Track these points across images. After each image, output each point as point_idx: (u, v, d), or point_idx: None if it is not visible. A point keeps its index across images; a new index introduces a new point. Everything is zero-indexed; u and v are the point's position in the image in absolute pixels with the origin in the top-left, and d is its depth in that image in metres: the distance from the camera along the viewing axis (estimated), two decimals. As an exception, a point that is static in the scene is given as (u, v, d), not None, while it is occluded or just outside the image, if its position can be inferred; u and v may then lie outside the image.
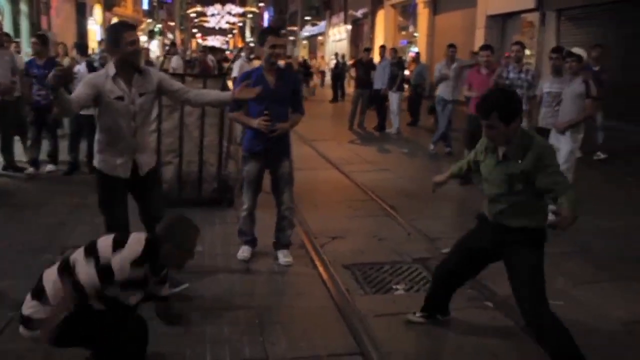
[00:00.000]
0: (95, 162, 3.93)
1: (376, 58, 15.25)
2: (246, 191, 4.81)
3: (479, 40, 16.19)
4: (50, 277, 2.84)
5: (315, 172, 8.52)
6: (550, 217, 3.50)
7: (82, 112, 7.71)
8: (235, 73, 9.50)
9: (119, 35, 3.70)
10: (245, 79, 4.53)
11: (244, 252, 4.89)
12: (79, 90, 3.67)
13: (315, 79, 26.91)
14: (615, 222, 6.19)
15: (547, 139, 6.40)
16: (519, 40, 8.94)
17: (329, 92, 22.50)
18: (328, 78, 26.12)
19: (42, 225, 5.64)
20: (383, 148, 11.10)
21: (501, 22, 16.58)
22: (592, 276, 4.68)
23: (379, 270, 4.76)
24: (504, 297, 4.10)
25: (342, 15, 33.79)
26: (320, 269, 4.72)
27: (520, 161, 3.12)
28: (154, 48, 40.67)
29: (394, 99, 12.71)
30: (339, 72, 22.14)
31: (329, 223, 5.99)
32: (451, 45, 10.47)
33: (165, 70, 7.16)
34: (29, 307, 2.79)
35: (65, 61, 9.17)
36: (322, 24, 38.91)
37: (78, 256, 2.86)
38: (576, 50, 7.30)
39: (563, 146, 6.14)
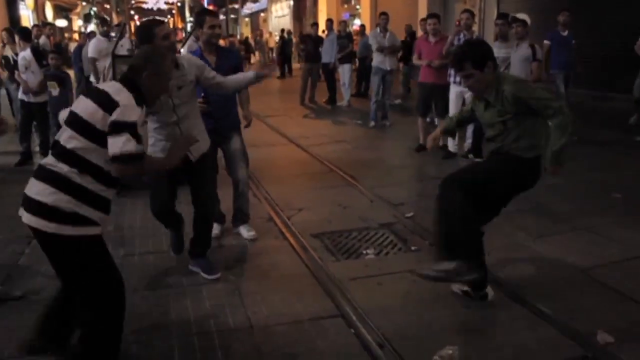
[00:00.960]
0: (149, 148, 3.85)
1: (322, 32, 15.28)
2: None
3: (422, 9, 16.44)
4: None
5: (273, 148, 8.59)
6: None
7: (32, 100, 7.64)
8: (183, 52, 9.46)
9: (152, 32, 3.69)
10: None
11: (214, 229, 4.93)
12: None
13: (258, 56, 26.66)
14: (567, 179, 6.51)
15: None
16: (468, 8, 9.13)
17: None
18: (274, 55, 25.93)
19: (2, 217, 5.52)
20: (337, 120, 11.23)
21: (443, -9, 16.84)
22: (549, 230, 4.94)
23: (347, 237, 4.91)
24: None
25: (283, -10, 33.51)
26: (291, 239, 4.84)
27: (502, 105, 3.38)
28: (91, 30, 39.36)
29: (345, 71, 12.75)
30: (284, 48, 22.04)
31: (293, 196, 6.09)
32: (383, 14, 10.39)
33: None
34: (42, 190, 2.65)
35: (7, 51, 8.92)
36: (264, 0, 38.48)
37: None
38: (520, 15, 7.59)
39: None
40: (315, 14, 27.66)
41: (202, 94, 4.38)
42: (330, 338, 3.33)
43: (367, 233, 4.99)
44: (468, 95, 7.45)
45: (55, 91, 7.66)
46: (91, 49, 8.92)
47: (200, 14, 4.71)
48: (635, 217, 5.18)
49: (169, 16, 69.50)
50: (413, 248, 4.65)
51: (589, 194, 5.97)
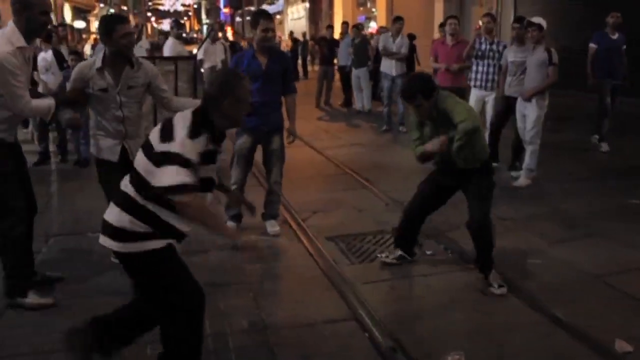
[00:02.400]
0: (91, 147, 4.13)
1: (337, 35, 15.26)
2: (236, 166, 4.93)
3: (439, 12, 16.41)
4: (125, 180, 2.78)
5: (288, 150, 8.50)
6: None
7: None
8: (200, 55, 9.49)
9: (111, 28, 3.75)
10: (237, 63, 4.78)
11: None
12: (73, 88, 3.86)
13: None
14: (580, 184, 6.48)
15: (514, 107, 6.62)
16: (490, 12, 9.07)
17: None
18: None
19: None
20: (352, 123, 11.23)
21: (459, -6, 16.79)
22: (566, 235, 4.90)
23: (362, 240, 4.90)
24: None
25: (299, -7, 33.60)
26: (305, 242, 4.84)
27: (437, 115, 3.87)
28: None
29: (361, 75, 12.22)
30: (298, 51, 22.04)
31: (308, 198, 6.10)
32: (399, 18, 10.15)
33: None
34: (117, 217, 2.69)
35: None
36: (280, 2, 38.62)
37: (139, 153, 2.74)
38: (536, 19, 7.49)
39: (530, 113, 6.35)
40: (331, 17, 27.71)
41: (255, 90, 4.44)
42: (343, 341, 3.33)
43: (381, 236, 4.98)
44: (489, 99, 7.43)
45: None
46: (166, 50, 9.14)
47: (256, 15, 4.87)
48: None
49: (185, 18, 69.98)
50: (428, 252, 4.63)
51: (607, 199, 5.91)
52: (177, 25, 10.08)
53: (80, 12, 32.50)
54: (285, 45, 26.51)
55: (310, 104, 13.59)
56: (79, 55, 8.31)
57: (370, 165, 7.57)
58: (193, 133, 2.58)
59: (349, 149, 8.65)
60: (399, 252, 4.34)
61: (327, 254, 4.56)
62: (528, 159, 6.37)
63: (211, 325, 3.47)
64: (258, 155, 5.15)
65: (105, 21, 3.90)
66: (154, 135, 2.66)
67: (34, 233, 4.54)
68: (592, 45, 8.16)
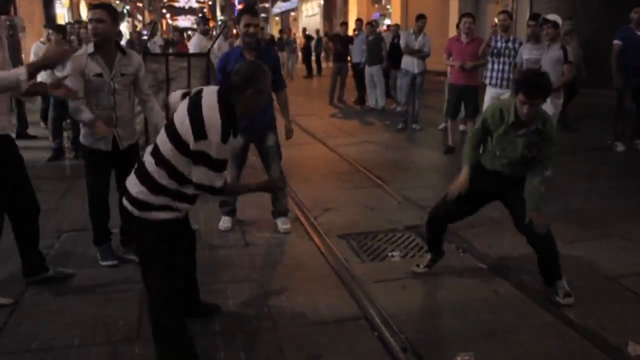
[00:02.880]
0: (81, 137, 4.18)
1: (351, 32, 15.21)
2: (230, 165, 4.89)
3: (454, 10, 16.31)
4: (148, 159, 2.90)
5: (301, 147, 8.58)
6: None
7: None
8: (193, 50, 9.40)
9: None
10: (225, 60, 4.76)
11: (225, 222, 5.08)
12: (73, 81, 3.90)
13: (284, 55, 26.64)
14: (596, 184, 6.40)
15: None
16: (506, 10, 8.99)
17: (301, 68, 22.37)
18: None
19: (34, 211, 5.62)
20: (365, 121, 11.19)
21: (475, -9, 16.67)
22: (580, 235, 4.84)
23: (373, 239, 4.87)
24: (495, 259, 4.25)
25: (314, -11, 33.55)
26: (316, 240, 4.82)
27: (540, 130, 3.58)
28: (123, 30, 39.94)
29: (375, 73, 12.10)
30: (311, 48, 21.99)
31: (320, 196, 6.08)
32: (422, 16, 10.03)
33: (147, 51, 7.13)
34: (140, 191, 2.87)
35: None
36: (294, -1, 38.60)
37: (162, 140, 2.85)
38: (551, 16, 7.41)
39: (545, 111, 6.27)
40: (345, 14, 27.63)
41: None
42: (353, 340, 3.31)
43: (393, 235, 4.95)
44: (505, 97, 7.35)
45: None
46: (192, 46, 9.12)
47: (239, 12, 4.89)
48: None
49: (200, 14, 70.20)
50: (439, 251, 4.60)
51: (622, 199, 5.83)
52: (204, 21, 9.88)
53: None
54: (299, 42, 26.49)
55: (323, 100, 13.58)
56: None
57: (383, 163, 7.53)
58: (225, 137, 2.72)
59: (362, 147, 8.62)
60: (428, 257, 4.21)
61: (338, 252, 4.54)
62: None
63: (220, 323, 3.48)
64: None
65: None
66: (184, 127, 2.72)
67: (45, 230, 4.60)
68: (616, 42, 7.80)
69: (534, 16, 7.74)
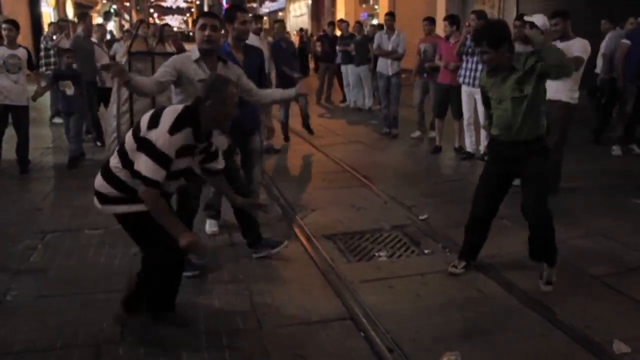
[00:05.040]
0: None
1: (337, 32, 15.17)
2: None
3: (441, 10, 16.33)
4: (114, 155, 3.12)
5: (288, 147, 8.57)
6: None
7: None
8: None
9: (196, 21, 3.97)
10: None
11: (211, 226, 5.00)
12: (164, 71, 3.87)
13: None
14: (583, 183, 6.44)
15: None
16: (479, 9, 9.04)
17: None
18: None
19: (16, 212, 5.56)
20: (352, 121, 11.18)
21: (462, -9, 16.71)
22: (565, 235, 4.85)
23: (360, 239, 4.86)
24: (481, 258, 4.24)
25: (301, -11, 33.52)
26: (303, 240, 4.81)
27: (524, 66, 3.67)
28: (111, 29, 39.66)
29: (362, 73, 11.99)
30: (302, 48, 21.94)
31: (306, 196, 6.07)
32: (387, 14, 9.89)
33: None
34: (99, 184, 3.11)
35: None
36: (282, -1, 38.56)
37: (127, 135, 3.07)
38: (537, 17, 7.43)
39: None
40: (333, 14, 27.62)
41: None
42: (339, 340, 3.30)
43: (379, 235, 4.95)
44: (479, 96, 7.38)
45: (70, 90, 7.36)
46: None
47: (232, 9, 4.71)
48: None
49: (187, 14, 69.98)
50: (426, 251, 4.60)
51: (607, 199, 5.86)
52: (255, 19, 8.51)
53: (83, 8, 32.46)
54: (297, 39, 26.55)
55: (310, 100, 13.54)
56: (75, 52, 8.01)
57: (370, 163, 7.53)
58: (174, 128, 2.87)
59: (349, 147, 8.61)
60: (464, 263, 4.18)
61: (324, 252, 4.52)
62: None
63: (205, 324, 3.45)
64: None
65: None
66: (145, 119, 2.98)
67: (29, 230, 4.56)
68: (625, 42, 7.65)
69: (520, 16, 7.76)
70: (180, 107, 3.01)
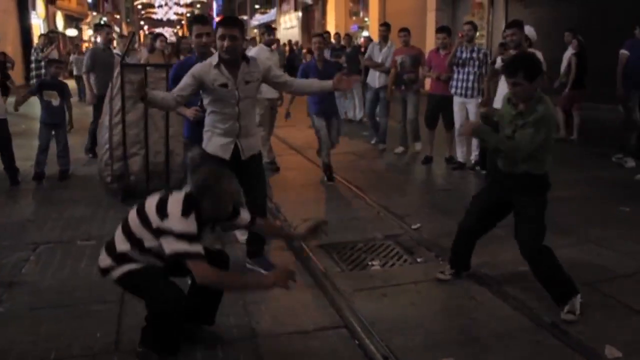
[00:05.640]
0: (203, 143, 4.16)
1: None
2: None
3: (431, 23, 16.49)
4: (118, 233, 3.08)
5: (280, 158, 8.58)
6: None
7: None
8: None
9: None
10: (179, 68, 4.57)
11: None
12: (184, 83, 3.89)
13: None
14: (574, 191, 6.50)
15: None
16: (470, 20, 9.12)
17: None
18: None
19: (7, 223, 5.53)
20: (343, 132, 11.18)
21: (452, 4, 16.89)
22: (555, 243, 4.89)
23: (352, 248, 4.88)
24: (474, 267, 4.26)
25: (292, 2, 33.70)
26: (296, 250, 4.80)
27: (529, 115, 3.59)
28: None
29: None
30: (291, 58, 22.04)
31: (299, 206, 6.09)
32: (382, 25, 9.88)
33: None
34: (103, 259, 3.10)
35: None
36: (273, 11, 38.74)
37: (132, 217, 3.04)
38: (526, 29, 7.52)
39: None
40: (323, 26, 27.77)
41: (199, 103, 4.33)
42: (334, 349, 3.30)
43: (373, 244, 4.97)
44: (470, 106, 7.47)
45: (56, 101, 7.22)
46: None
47: (190, 22, 4.82)
48: (644, 231, 5.15)
49: (178, 27, 70.09)
50: (419, 260, 4.63)
51: (597, 207, 5.92)
52: (268, 32, 8.40)
53: (73, 20, 32.47)
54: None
55: (302, 112, 13.56)
56: (62, 63, 7.93)
57: (362, 173, 7.57)
58: (186, 211, 2.87)
59: (340, 158, 8.60)
60: (450, 270, 4.20)
61: (317, 262, 4.53)
62: None
63: (200, 333, 3.44)
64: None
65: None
66: (150, 209, 2.95)
67: (21, 242, 4.54)
68: (623, 52, 7.57)
69: (510, 26, 7.85)
70: (182, 194, 2.99)
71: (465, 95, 7.47)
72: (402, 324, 3.59)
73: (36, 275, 4.29)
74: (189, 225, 2.86)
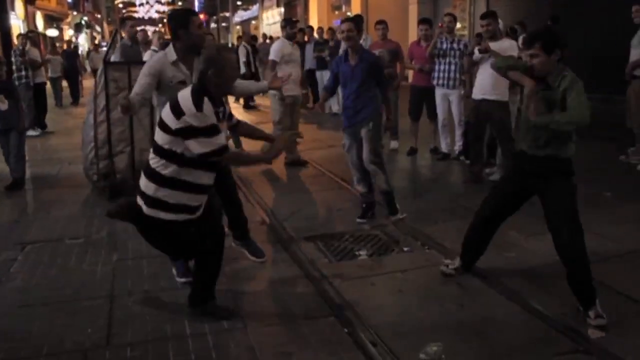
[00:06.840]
0: None
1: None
2: None
3: (413, 15, 16.55)
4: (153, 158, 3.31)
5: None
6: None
7: None
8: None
9: (188, 20, 3.89)
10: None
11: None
12: (144, 83, 3.86)
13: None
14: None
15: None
16: (450, 12, 9.18)
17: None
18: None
19: (-3, 224, 5.52)
20: (328, 126, 11.27)
21: (433, -4, 16.96)
22: (540, 228, 4.97)
23: (340, 239, 4.92)
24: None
25: (274, -3, 33.59)
26: (284, 242, 4.85)
27: (558, 86, 3.43)
28: (82, 41, 39.37)
29: (323, 77, 12.14)
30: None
31: (286, 199, 6.12)
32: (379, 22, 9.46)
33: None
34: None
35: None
36: (255, 7, 38.57)
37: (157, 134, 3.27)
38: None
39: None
40: (306, 21, 27.72)
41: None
42: (324, 337, 3.34)
43: (360, 235, 5.01)
44: (453, 97, 7.55)
45: (4, 105, 6.63)
46: (273, 52, 7.57)
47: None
48: (626, 215, 5.24)
49: (159, 25, 69.60)
50: (405, 249, 4.68)
51: (579, 192, 5.99)
52: (290, 25, 7.81)
53: (53, 20, 32.13)
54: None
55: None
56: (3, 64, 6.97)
57: (347, 166, 7.56)
58: (197, 104, 3.11)
59: (326, 151, 8.67)
60: (458, 263, 4.12)
61: (306, 253, 4.58)
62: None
63: (190, 325, 3.48)
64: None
65: (180, 15, 4.09)
66: (167, 114, 3.17)
67: (8, 241, 4.54)
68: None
69: (486, 15, 7.91)
70: (188, 88, 3.26)
71: (447, 86, 7.53)
72: (391, 310, 3.65)
73: (25, 273, 4.29)
74: (206, 118, 3.12)
